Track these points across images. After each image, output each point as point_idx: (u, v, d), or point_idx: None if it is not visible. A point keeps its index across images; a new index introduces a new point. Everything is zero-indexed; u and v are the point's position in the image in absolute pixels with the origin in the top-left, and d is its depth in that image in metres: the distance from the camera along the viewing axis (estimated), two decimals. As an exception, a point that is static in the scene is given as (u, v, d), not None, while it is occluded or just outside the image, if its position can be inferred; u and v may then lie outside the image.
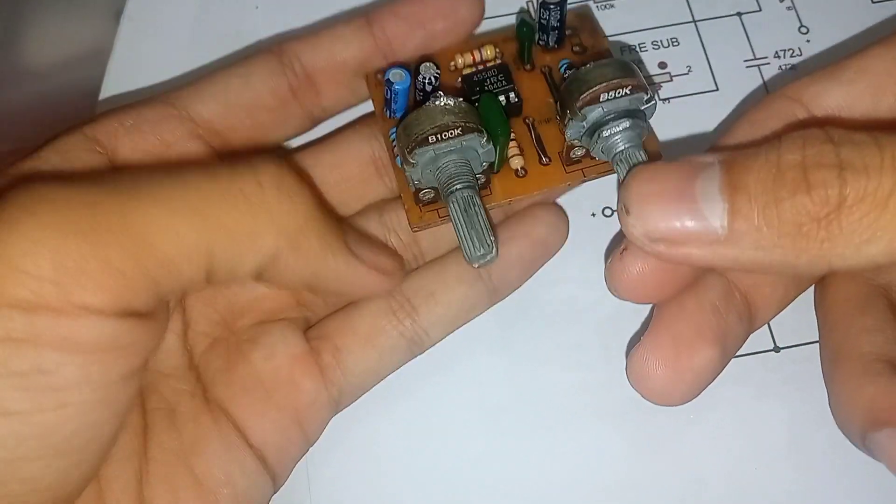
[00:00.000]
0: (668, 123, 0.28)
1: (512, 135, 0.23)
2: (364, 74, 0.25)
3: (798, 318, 0.25)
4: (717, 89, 0.29)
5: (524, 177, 0.23)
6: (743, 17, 0.30)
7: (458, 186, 0.22)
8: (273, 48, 0.25)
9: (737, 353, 0.24)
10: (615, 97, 0.21)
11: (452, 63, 0.25)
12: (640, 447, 0.24)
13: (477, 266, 0.21)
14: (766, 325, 0.25)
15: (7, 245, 0.16)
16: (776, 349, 0.25)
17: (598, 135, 0.21)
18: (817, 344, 0.24)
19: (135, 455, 0.21)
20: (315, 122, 0.26)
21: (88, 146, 0.22)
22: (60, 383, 0.17)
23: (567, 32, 0.25)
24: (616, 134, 0.21)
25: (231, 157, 0.24)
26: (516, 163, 0.23)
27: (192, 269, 0.18)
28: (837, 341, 0.22)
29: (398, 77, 0.23)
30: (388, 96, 0.24)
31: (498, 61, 0.25)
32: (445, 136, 0.21)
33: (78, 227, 0.16)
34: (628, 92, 0.21)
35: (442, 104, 0.21)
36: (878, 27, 0.29)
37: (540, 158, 0.23)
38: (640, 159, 0.21)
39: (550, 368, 0.25)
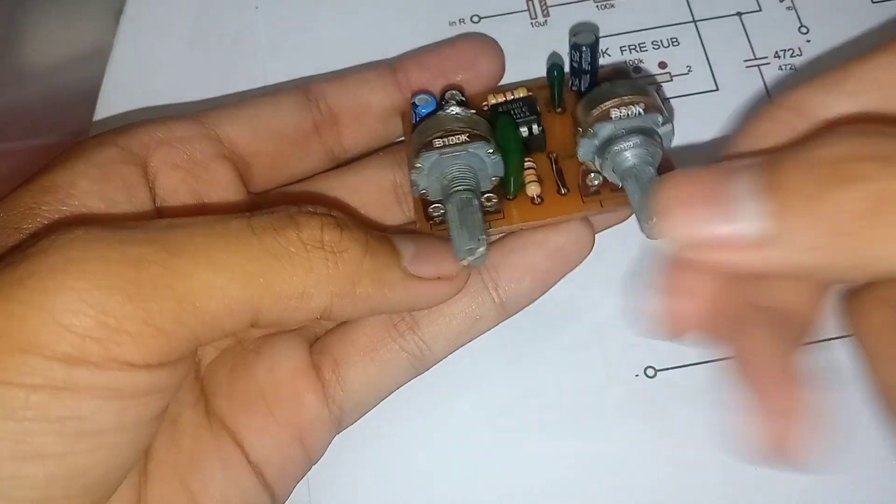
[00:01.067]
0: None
1: (531, 163, 0.23)
2: (400, 113, 0.25)
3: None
4: (717, 89, 0.29)
5: (540, 204, 0.23)
6: (743, 17, 0.30)
7: (459, 188, 0.21)
8: (301, 85, 0.25)
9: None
10: (627, 116, 0.21)
11: (485, 103, 0.25)
12: (640, 447, 0.24)
13: (465, 262, 0.21)
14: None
15: (52, 296, 0.16)
16: (776, 349, 0.25)
17: (609, 151, 0.21)
18: (817, 344, 0.24)
19: (135, 471, 0.20)
20: (334, 162, 0.26)
21: (125, 159, 0.22)
22: (96, 428, 0.17)
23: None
24: (626, 150, 0.21)
25: (270, 200, 0.24)
26: (533, 190, 0.23)
27: (234, 323, 0.18)
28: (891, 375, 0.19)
29: (424, 101, 0.24)
30: (415, 120, 0.24)
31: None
32: (451, 140, 0.21)
33: (122, 284, 0.17)
34: (641, 111, 0.21)
35: (453, 113, 0.22)
36: (878, 27, 0.29)
37: (558, 189, 0.23)
38: (650, 175, 0.21)
39: (550, 368, 0.25)
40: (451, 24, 0.30)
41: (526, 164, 0.23)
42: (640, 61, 0.29)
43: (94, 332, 0.16)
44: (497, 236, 0.23)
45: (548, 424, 0.24)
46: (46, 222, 0.20)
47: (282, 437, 0.22)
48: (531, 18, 0.30)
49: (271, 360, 0.22)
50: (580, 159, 0.22)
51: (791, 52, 0.29)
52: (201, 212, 0.22)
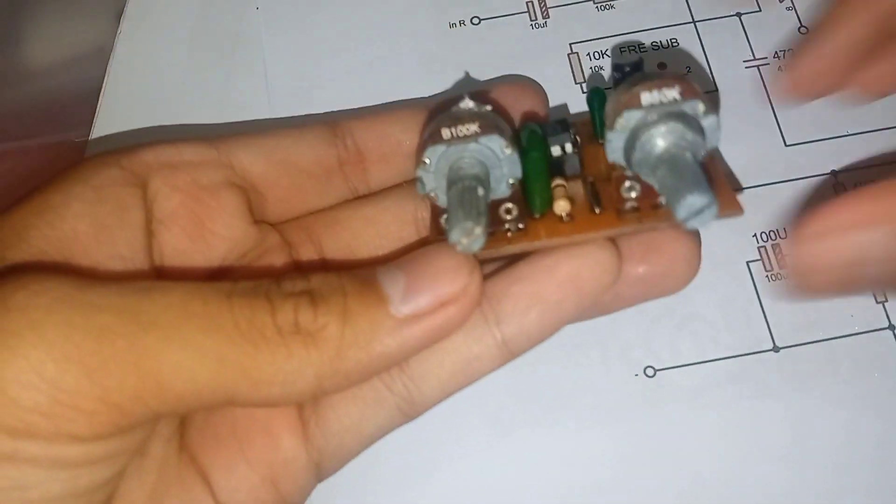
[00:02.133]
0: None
1: (561, 180, 0.20)
2: None
3: (798, 319, 0.25)
4: (717, 90, 0.29)
5: (569, 223, 0.19)
6: (742, 17, 0.30)
7: (464, 175, 0.19)
8: (329, 122, 0.24)
9: (737, 353, 0.25)
10: (660, 102, 0.18)
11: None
12: (640, 447, 0.24)
13: (456, 242, 0.17)
14: (766, 326, 0.25)
15: (5, 366, 0.15)
16: (776, 349, 0.25)
17: (637, 141, 0.18)
18: (817, 344, 0.24)
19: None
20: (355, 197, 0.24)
21: (124, 181, 0.21)
22: (43, 497, 0.16)
23: None
24: (658, 135, 0.18)
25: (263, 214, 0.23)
26: (562, 207, 0.19)
27: (203, 403, 0.17)
28: None
29: None
30: None
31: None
32: (461, 131, 0.18)
33: (82, 357, 0.16)
34: (677, 97, 0.18)
35: (466, 107, 0.19)
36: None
37: (592, 208, 0.19)
38: (687, 159, 0.17)
39: (550, 368, 0.25)
40: (452, 25, 0.30)
41: (555, 181, 0.20)
42: (641, 61, 0.29)
43: (44, 408, 0.15)
44: (517, 251, 0.20)
45: (547, 424, 0.24)
46: (30, 249, 0.19)
47: (251, 478, 0.20)
48: (531, 20, 0.30)
49: None
50: (609, 159, 0.19)
51: (791, 52, 0.29)
52: (194, 228, 0.22)
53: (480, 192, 0.18)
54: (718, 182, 0.19)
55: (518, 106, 0.23)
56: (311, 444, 0.21)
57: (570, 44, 0.30)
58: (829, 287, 0.17)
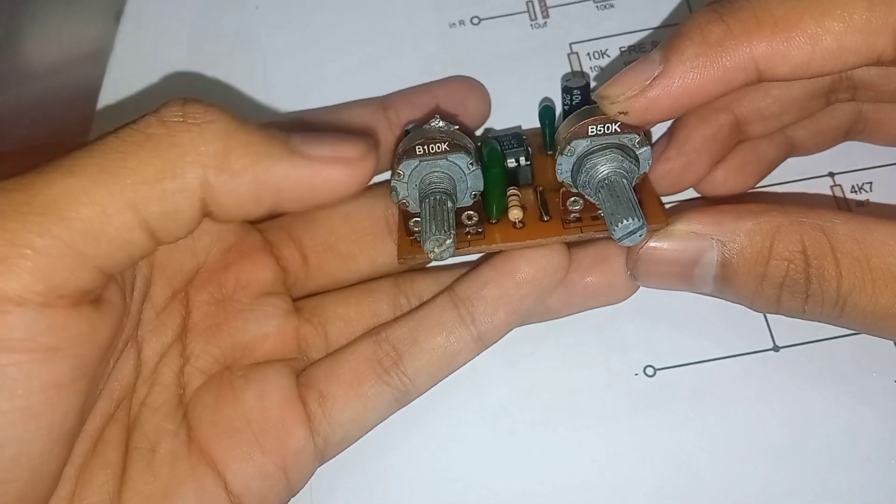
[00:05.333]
0: (667, 123, 0.28)
1: (515, 191, 0.23)
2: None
3: (798, 319, 0.25)
4: (717, 90, 0.29)
5: (521, 229, 0.23)
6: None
7: (435, 190, 0.21)
8: (294, 118, 0.26)
9: (737, 353, 0.25)
10: (604, 132, 0.21)
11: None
12: (640, 446, 0.24)
13: (431, 253, 0.20)
14: (766, 325, 0.25)
15: None
16: (776, 349, 0.25)
17: (584, 167, 0.21)
18: (817, 343, 0.25)
19: (108, 499, 0.20)
20: None
21: None
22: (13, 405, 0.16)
23: None
24: (601, 163, 0.21)
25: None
26: (515, 214, 0.23)
27: (123, 232, 0.17)
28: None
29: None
30: None
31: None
32: (432, 148, 0.21)
33: None
34: (617, 129, 0.21)
35: (436, 126, 0.22)
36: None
37: (541, 216, 0.23)
38: (623, 185, 0.21)
39: (550, 368, 0.25)
40: (452, 25, 0.31)
41: (510, 191, 0.23)
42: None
43: None
44: (475, 256, 0.23)
45: (548, 423, 0.24)
46: None
47: (266, 466, 0.21)
48: (531, 20, 0.30)
49: (260, 387, 0.22)
50: (559, 178, 0.22)
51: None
52: None
53: (449, 204, 0.21)
54: (650, 200, 0.23)
55: (466, 104, 0.26)
56: (318, 434, 0.22)
57: (570, 44, 0.30)
58: (661, 280, 0.23)
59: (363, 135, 0.22)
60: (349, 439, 0.23)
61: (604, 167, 0.21)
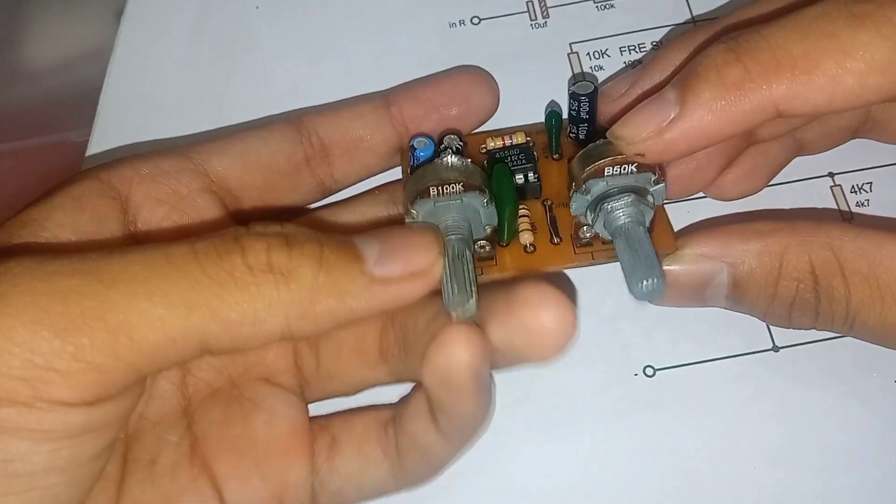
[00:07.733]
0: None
1: (525, 211, 0.23)
2: (399, 150, 0.26)
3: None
4: (717, 90, 0.29)
5: (532, 253, 0.23)
6: (742, 17, 0.30)
7: (452, 237, 0.21)
8: (293, 118, 0.25)
9: (737, 353, 0.25)
10: (620, 173, 0.21)
11: (483, 146, 0.25)
12: (640, 446, 0.24)
13: (454, 315, 0.19)
14: (766, 326, 0.25)
15: None
16: (775, 349, 0.25)
17: (600, 208, 0.21)
18: (817, 344, 0.25)
19: None
20: (326, 193, 0.26)
21: (102, 192, 0.22)
22: (27, 470, 0.16)
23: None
24: (617, 209, 0.21)
25: (240, 216, 0.24)
26: (526, 238, 0.23)
27: (180, 353, 0.17)
28: None
29: (422, 144, 0.24)
30: (412, 163, 0.24)
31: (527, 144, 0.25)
32: (446, 190, 0.21)
33: (49, 319, 0.16)
34: (634, 169, 0.21)
35: (448, 162, 0.21)
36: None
37: (551, 238, 0.23)
38: (640, 235, 0.21)
39: (550, 368, 0.25)
40: (452, 25, 0.31)
41: (520, 211, 0.23)
42: (640, 62, 0.29)
43: (19, 372, 0.16)
44: (488, 281, 0.23)
45: (547, 423, 0.24)
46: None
47: (262, 493, 0.21)
48: (531, 20, 0.30)
49: (271, 414, 0.22)
50: (573, 213, 0.22)
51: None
52: (178, 235, 0.22)
53: (468, 254, 0.21)
54: (659, 225, 0.23)
55: (471, 98, 0.25)
56: (316, 476, 0.22)
57: (570, 43, 0.30)
58: (673, 301, 0.23)
59: (425, 226, 0.21)
60: (342, 495, 0.22)
61: (621, 213, 0.21)
